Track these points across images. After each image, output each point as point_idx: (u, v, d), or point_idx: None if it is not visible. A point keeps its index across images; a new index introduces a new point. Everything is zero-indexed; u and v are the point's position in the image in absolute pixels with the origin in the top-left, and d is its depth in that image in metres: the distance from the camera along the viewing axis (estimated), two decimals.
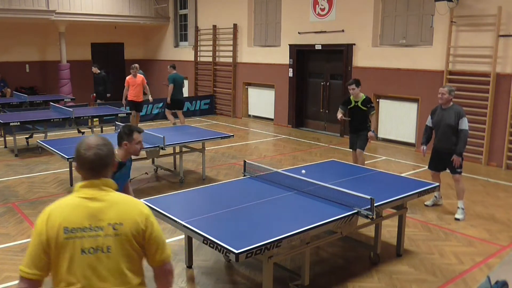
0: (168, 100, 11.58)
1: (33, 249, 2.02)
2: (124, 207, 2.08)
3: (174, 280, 2.32)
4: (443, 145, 6.16)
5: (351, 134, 7.52)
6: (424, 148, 6.40)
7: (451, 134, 6.04)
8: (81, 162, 2.10)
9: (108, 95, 13.52)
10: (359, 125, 7.30)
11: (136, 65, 11.68)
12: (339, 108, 7.48)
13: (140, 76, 11.69)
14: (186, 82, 16.78)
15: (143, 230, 2.08)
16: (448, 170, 6.28)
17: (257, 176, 5.11)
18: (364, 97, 7.24)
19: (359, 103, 7.20)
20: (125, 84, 11.61)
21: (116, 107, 11.78)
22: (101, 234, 2.01)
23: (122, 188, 4.03)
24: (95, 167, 2.08)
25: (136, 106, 11.80)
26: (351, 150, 7.65)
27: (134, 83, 11.54)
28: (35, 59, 16.69)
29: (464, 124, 5.99)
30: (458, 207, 6.15)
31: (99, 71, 13.54)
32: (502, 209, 6.51)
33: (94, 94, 13.70)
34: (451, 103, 6.16)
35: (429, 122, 6.39)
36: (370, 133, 7.22)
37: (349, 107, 7.33)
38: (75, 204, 2.05)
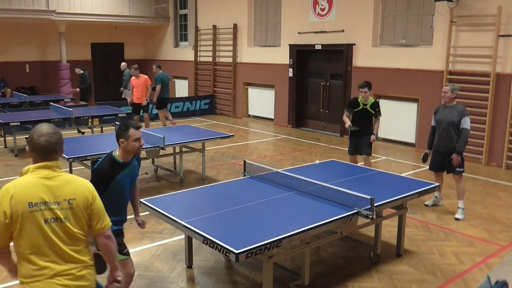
0: (155, 99, 11.60)
1: None
2: (75, 185, 2.53)
3: (117, 247, 2.77)
4: (444, 145, 6.15)
5: (353, 138, 7.27)
6: (428, 152, 6.38)
7: (452, 132, 6.04)
8: (33, 147, 2.47)
9: (77, 89, 14.22)
10: (364, 129, 7.10)
11: (124, 63, 11.57)
12: (345, 111, 7.22)
13: (143, 77, 11.31)
14: (186, 82, 16.85)
15: (91, 203, 2.53)
16: (446, 172, 6.27)
17: (257, 176, 5.11)
18: (373, 100, 7.14)
19: (367, 106, 7.09)
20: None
21: (116, 107, 11.77)
22: (59, 208, 2.43)
23: (128, 191, 3.76)
24: (46, 152, 2.48)
25: (139, 108, 11.37)
26: (350, 155, 7.36)
27: (137, 85, 11.20)
28: (35, 59, 16.69)
29: (466, 123, 5.99)
30: (458, 207, 6.14)
31: (82, 72, 13.76)
32: (502, 209, 6.51)
33: (72, 89, 14.55)
34: (455, 102, 6.17)
35: (433, 122, 6.37)
36: (372, 137, 7.09)
37: (356, 109, 7.14)
38: (34, 183, 2.42)
